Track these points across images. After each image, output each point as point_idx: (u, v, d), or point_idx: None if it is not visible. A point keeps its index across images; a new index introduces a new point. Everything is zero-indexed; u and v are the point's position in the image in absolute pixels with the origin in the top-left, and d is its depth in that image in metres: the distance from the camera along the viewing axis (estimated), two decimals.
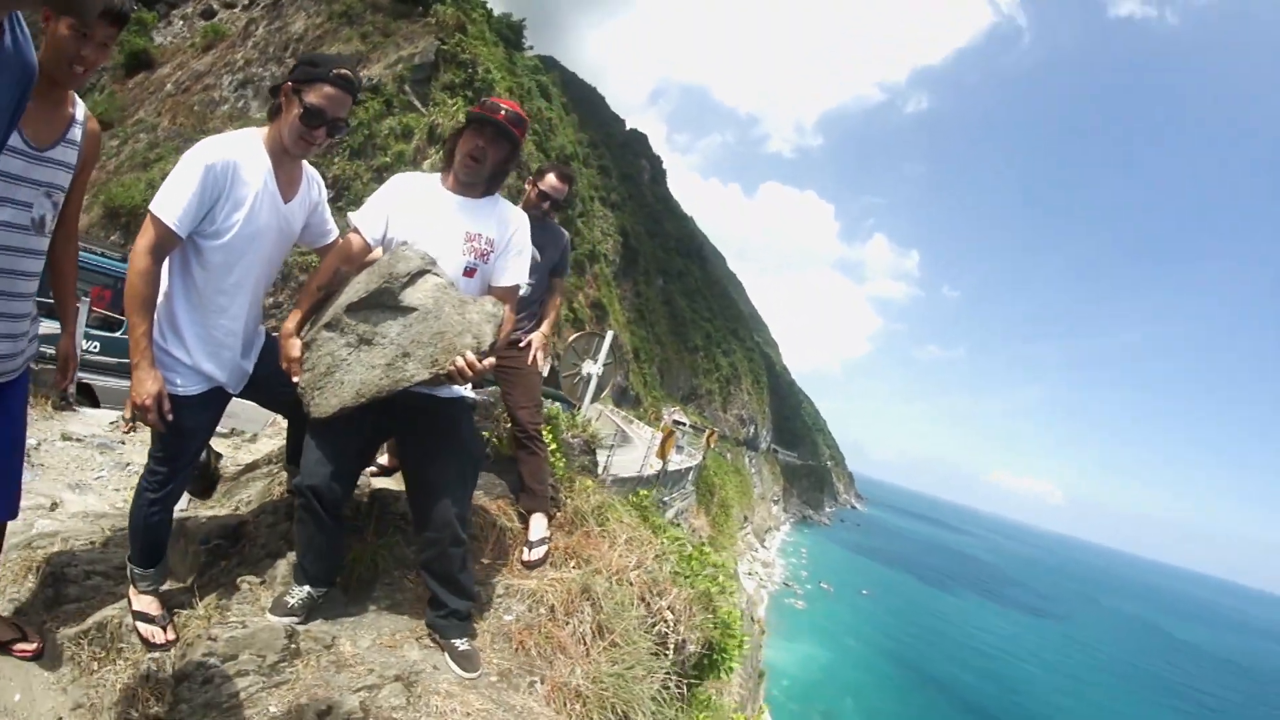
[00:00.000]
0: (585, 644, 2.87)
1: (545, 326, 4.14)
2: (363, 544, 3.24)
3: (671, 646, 3.29)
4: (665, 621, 3.38)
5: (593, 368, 7.42)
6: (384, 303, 2.64)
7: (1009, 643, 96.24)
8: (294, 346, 2.70)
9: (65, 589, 3.16)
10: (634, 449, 23.88)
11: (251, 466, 4.48)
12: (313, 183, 2.88)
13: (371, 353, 2.64)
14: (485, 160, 2.81)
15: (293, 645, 2.58)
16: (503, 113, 2.80)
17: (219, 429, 8.15)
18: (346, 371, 2.64)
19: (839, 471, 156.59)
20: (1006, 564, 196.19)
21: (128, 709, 2.51)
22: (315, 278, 2.82)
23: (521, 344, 3.90)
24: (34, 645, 2.79)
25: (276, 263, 2.83)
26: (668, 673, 3.05)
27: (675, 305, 77.00)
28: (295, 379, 2.70)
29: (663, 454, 20.59)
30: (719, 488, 53.45)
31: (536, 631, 3.00)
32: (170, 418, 2.55)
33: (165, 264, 2.54)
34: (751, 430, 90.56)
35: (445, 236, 2.78)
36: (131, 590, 2.90)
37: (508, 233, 2.90)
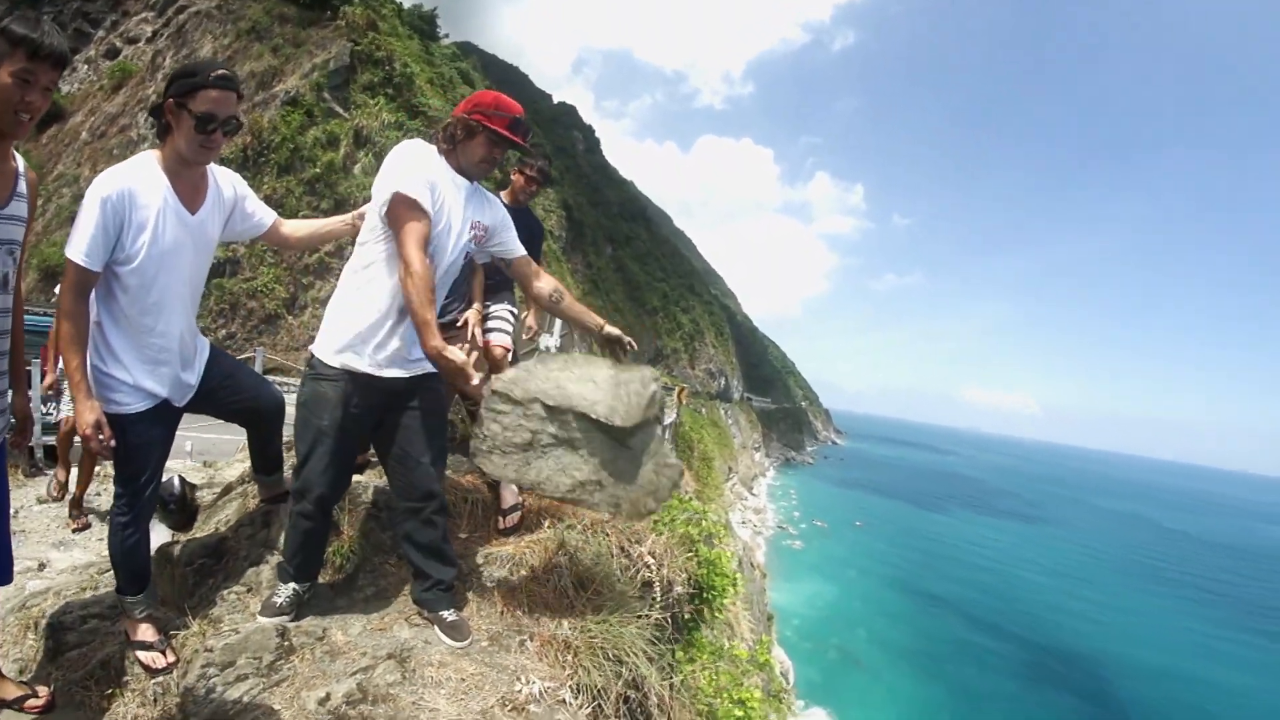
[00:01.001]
0: (569, 597, 2.92)
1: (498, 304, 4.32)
2: (341, 537, 3.29)
3: (658, 589, 3.35)
4: (647, 567, 3.44)
5: (550, 340, 7.43)
6: (613, 429, 2.64)
7: (1006, 553, 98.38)
8: (456, 355, 2.47)
9: (65, 637, 3.18)
10: None
11: (226, 490, 4.49)
12: (224, 183, 2.86)
13: (573, 459, 2.67)
14: (497, 163, 2.90)
15: (286, 643, 2.64)
16: (528, 135, 2.91)
17: (191, 461, 8.13)
18: (539, 458, 2.66)
19: (815, 410, 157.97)
20: (992, 477, 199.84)
21: None
22: (422, 282, 2.49)
23: (459, 323, 3.94)
24: (43, 699, 2.80)
25: (200, 273, 2.85)
26: (660, 616, 3.11)
27: (628, 270, 76.92)
28: (472, 382, 2.51)
29: None
30: (698, 442, 53.83)
31: (520, 593, 3.06)
32: (112, 443, 2.59)
33: (92, 296, 2.58)
34: (722, 382, 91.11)
35: (462, 221, 2.80)
36: (127, 622, 2.94)
37: (498, 217, 3.00)
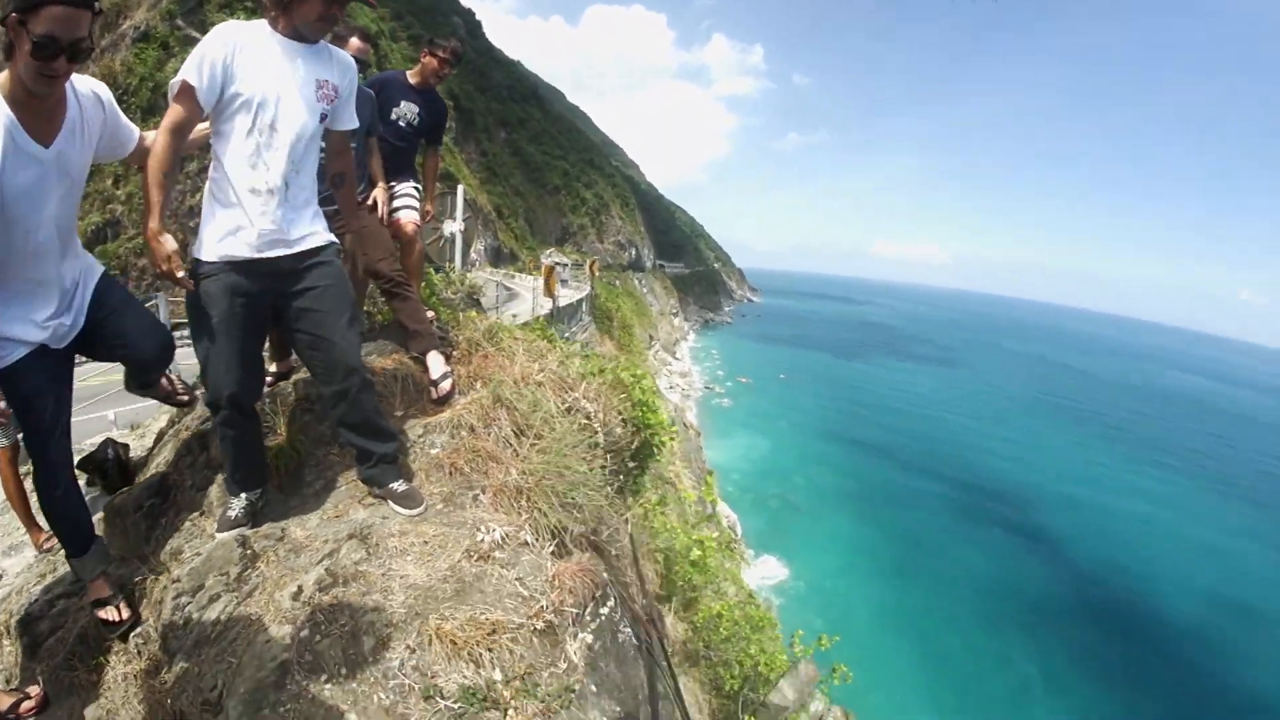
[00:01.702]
0: (512, 446, 2.97)
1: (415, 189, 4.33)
2: (278, 438, 3.27)
3: (599, 432, 3.45)
4: (584, 411, 3.52)
5: (453, 226, 7.32)
6: None
7: (926, 396, 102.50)
8: (167, 243, 2.50)
9: (38, 628, 3.08)
10: (522, 301, 23.73)
11: (159, 437, 4.40)
12: (86, 102, 2.56)
13: None
14: (336, 21, 2.75)
15: (249, 551, 2.65)
16: None
17: (119, 430, 7.87)
18: None
19: (728, 271, 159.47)
20: (907, 325, 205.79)
21: (140, 692, 2.52)
22: (155, 163, 2.52)
23: (368, 201, 3.88)
24: (36, 698, 2.71)
25: (68, 210, 2.58)
26: (606, 461, 3.22)
27: (524, 153, 75.26)
28: (179, 274, 2.54)
29: (549, 291, 20.85)
30: (616, 312, 54.18)
31: (464, 451, 3.10)
32: (2, 403, 2.47)
33: None
34: (633, 253, 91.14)
35: (301, 86, 2.67)
36: (88, 586, 2.84)
37: (348, 77, 2.87)
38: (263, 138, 2.58)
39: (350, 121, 2.95)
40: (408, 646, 2.09)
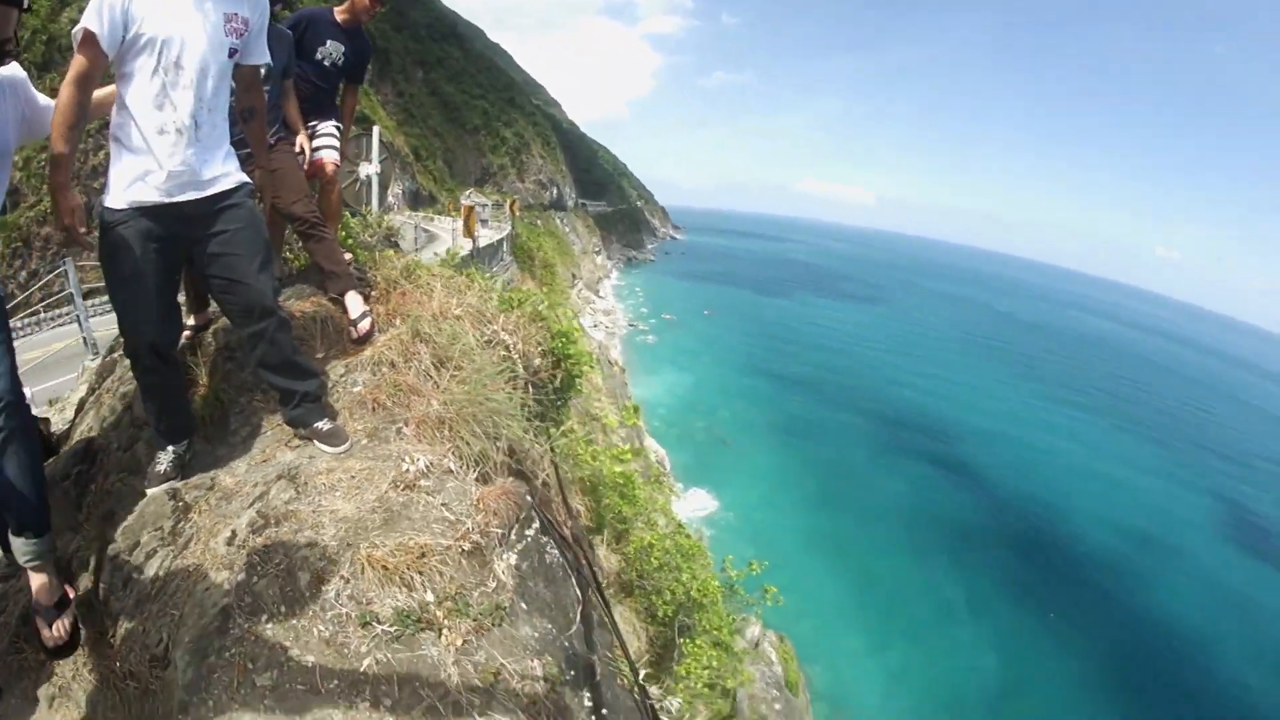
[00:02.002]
0: (433, 378, 3.02)
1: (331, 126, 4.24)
2: (201, 388, 3.25)
3: (519, 362, 3.52)
4: (503, 343, 3.58)
5: (369, 168, 7.19)
6: None
7: (849, 332, 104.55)
8: (72, 196, 2.47)
9: None
10: (441, 243, 23.36)
11: (80, 406, 4.31)
12: (4, 91, 2.55)
13: None
14: None
15: (180, 503, 2.66)
16: None
17: (36, 409, 7.61)
18: None
19: (651, 209, 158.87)
20: (831, 263, 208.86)
21: (90, 662, 2.52)
22: (60, 116, 2.46)
23: (298, 149, 3.84)
24: None
25: None
26: (527, 394, 3.29)
27: (442, 93, 73.21)
28: (81, 229, 2.49)
29: (468, 231, 20.66)
30: (537, 250, 53.81)
31: (385, 386, 3.14)
32: None
33: None
34: (554, 192, 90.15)
35: (207, 21, 2.59)
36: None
37: (259, 9, 2.80)
38: (168, 76, 2.51)
39: (262, 56, 2.89)
40: (342, 577, 2.15)
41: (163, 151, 2.55)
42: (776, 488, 47.85)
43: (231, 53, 2.69)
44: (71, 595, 2.62)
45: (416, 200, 49.75)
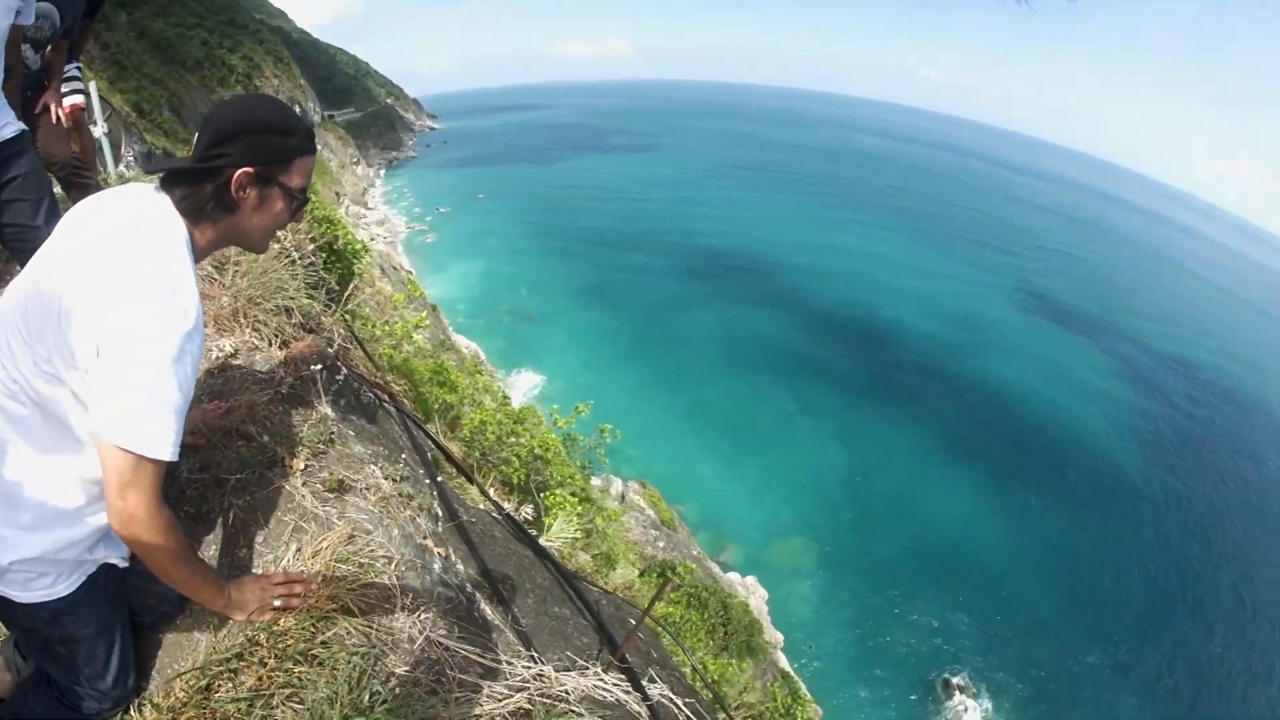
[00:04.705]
0: (218, 280, 3.15)
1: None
2: None
3: (294, 251, 3.71)
4: (279, 241, 3.78)
5: (96, 130, 6.77)
6: None
7: (630, 183, 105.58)
8: None
9: None
10: None
11: None
12: None
13: None
14: None
15: None
16: None
17: None
18: None
19: (404, 103, 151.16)
20: (599, 120, 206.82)
21: None
22: None
23: (40, 109, 3.79)
24: None
25: None
26: (304, 273, 3.52)
27: (152, 32, 65.21)
28: None
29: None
30: None
31: None
32: None
33: None
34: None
35: None
36: None
37: None
38: None
39: (28, 17, 2.95)
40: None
41: None
42: (594, 348, 49.10)
43: (16, 14, 2.78)
44: None
45: (151, 163, 45.23)
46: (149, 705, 1.85)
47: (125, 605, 1.95)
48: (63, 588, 1.74)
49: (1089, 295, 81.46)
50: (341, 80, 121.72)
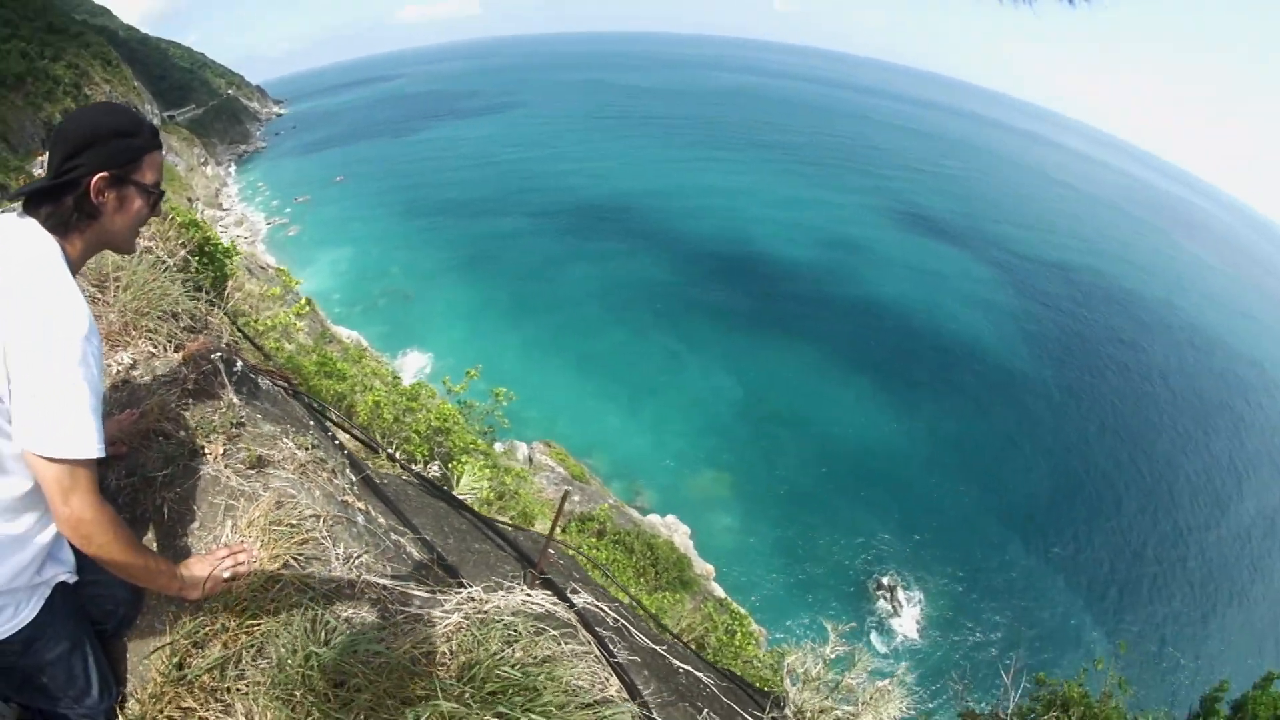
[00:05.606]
0: (100, 298, 3.16)
1: None
2: None
3: (168, 259, 3.80)
4: (146, 249, 3.85)
5: None
6: None
7: (489, 144, 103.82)
8: None
9: None
10: None
11: None
12: None
13: None
14: None
15: None
16: None
17: None
18: None
19: (246, 92, 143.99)
20: (450, 85, 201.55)
21: None
22: None
23: None
24: None
25: None
26: (181, 279, 3.62)
27: None
28: None
29: None
30: None
31: None
32: None
33: None
34: None
35: None
36: None
37: None
38: None
39: None
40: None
41: None
42: (477, 318, 48.77)
43: None
44: None
45: (3, 192, 41.76)
46: (131, 700, 2.06)
47: (87, 618, 2.10)
48: (25, 614, 1.86)
49: (963, 210, 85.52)
50: (178, 76, 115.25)
